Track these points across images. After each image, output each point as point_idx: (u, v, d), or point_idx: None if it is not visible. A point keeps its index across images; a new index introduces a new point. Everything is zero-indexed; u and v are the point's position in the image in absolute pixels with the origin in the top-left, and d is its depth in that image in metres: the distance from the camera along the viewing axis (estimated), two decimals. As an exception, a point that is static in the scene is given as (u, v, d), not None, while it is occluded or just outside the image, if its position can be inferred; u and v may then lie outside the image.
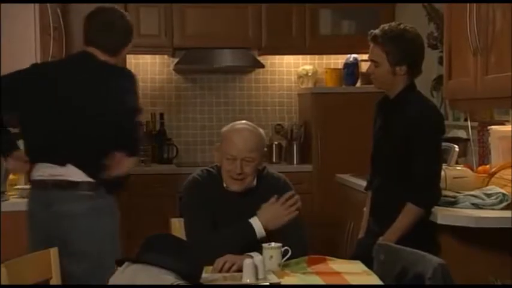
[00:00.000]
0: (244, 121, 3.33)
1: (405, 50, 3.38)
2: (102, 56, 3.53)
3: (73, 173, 3.38)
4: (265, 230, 3.10)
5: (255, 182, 3.25)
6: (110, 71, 3.54)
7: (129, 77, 3.57)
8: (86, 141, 3.39)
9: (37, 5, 4.01)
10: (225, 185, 3.23)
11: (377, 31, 3.43)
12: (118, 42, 3.60)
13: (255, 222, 3.11)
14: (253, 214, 3.16)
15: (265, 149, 3.31)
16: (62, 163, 3.38)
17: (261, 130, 3.28)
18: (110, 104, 3.42)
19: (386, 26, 3.44)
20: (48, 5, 4.14)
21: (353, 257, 3.28)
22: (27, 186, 4.07)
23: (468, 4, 3.51)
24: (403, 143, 3.34)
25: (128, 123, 3.45)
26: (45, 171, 3.42)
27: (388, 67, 3.40)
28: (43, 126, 3.44)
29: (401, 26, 3.44)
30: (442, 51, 4.46)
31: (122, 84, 3.50)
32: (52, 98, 3.44)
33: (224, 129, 3.28)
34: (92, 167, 3.38)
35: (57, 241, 3.17)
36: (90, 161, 3.39)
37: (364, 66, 5.69)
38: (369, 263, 2.95)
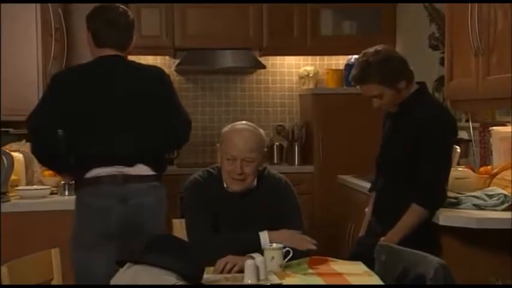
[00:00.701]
0: (244, 121, 3.33)
1: (394, 68, 3.37)
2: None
3: (140, 169, 3.52)
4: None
5: (255, 183, 3.25)
6: (155, 74, 3.62)
7: (169, 80, 3.68)
8: (151, 144, 3.55)
9: (38, 6, 4.01)
10: (225, 185, 3.23)
11: (357, 73, 3.38)
12: (127, 39, 3.62)
13: (264, 237, 3.10)
14: (253, 215, 3.17)
15: (266, 150, 3.31)
16: (131, 165, 3.50)
17: (261, 130, 3.28)
18: (167, 111, 3.59)
19: (360, 61, 3.39)
20: (50, 5, 4.13)
21: (352, 255, 3.29)
22: (28, 188, 4.08)
23: (469, 4, 3.51)
24: (412, 143, 3.34)
25: (185, 134, 3.74)
26: (111, 170, 3.47)
27: (391, 91, 3.37)
28: (104, 134, 3.49)
29: (371, 51, 3.40)
30: (443, 52, 4.46)
31: (171, 89, 3.66)
32: (108, 105, 3.50)
33: (224, 129, 3.28)
34: (158, 164, 3.59)
35: (132, 231, 3.41)
36: (156, 160, 3.60)
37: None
38: (368, 262, 2.95)
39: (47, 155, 3.58)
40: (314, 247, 3.14)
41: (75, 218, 3.53)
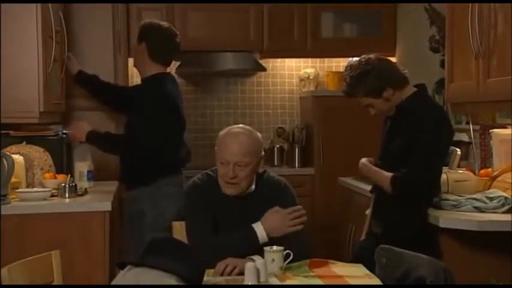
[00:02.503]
0: (241, 125, 3.30)
1: (374, 80, 3.42)
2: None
3: None
4: (268, 236, 3.10)
5: (253, 186, 3.24)
6: None
7: None
8: None
9: (39, 6, 3.98)
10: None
11: (344, 87, 3.51)
12: (173, 58, 4.40)
13: (258, 228, 3.10)
14: (253, 218, 3.16)
15: (263, 153, 3.27)
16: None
17: (258, 134, 3.25)
18: None
19: (345, 75, 3.50)
20: (50, 6, 4.12)
21: (354, 259, 3.28)
22: (29, 190, 4.07)
23: (470, 5, 3.51)
24: (410, 145, 3.35)
25: None
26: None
27: (379, 100, 3.44)
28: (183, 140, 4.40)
29: (355, 64, 3.49)
30: (443, 55, 4.46)
31: None
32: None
33: (220, 133, 3.27)
34: None
35: None
36: None
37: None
38: (368, 265, 2.95)
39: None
40: (305, 218, 3.15)
41: (157, 206, 4.15)
